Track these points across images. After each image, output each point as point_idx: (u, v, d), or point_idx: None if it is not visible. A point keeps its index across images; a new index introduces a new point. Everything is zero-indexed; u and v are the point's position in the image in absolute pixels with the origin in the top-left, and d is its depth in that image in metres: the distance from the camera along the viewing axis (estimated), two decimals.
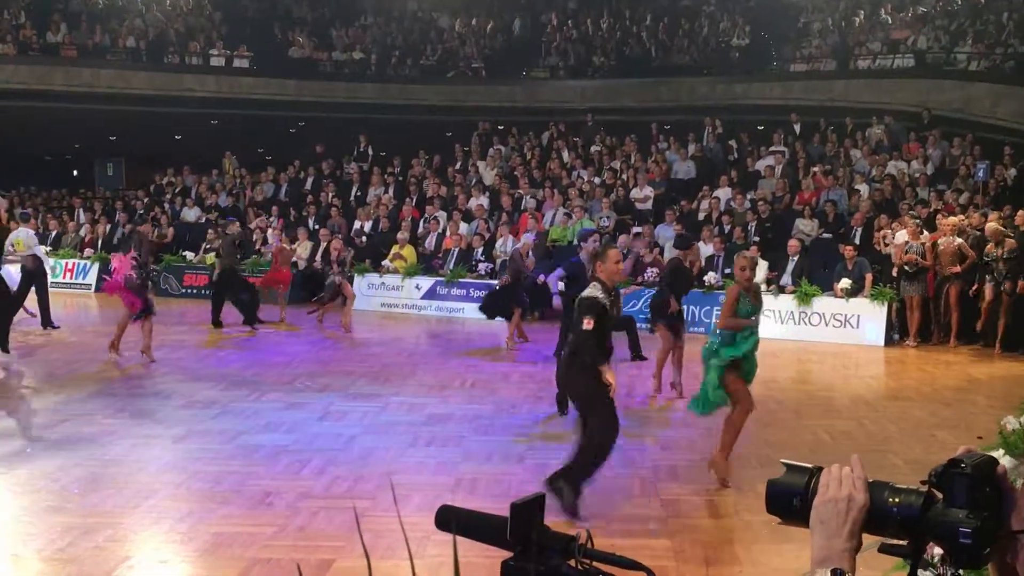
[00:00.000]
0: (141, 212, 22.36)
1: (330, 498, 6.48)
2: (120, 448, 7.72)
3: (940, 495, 1.46)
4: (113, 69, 25.96)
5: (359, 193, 22.30)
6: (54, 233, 22.12)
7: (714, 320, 10.81)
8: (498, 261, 16.95)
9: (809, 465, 1.57)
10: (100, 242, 21.63)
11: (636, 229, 17.75)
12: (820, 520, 1.51)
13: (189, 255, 19.91)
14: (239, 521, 6.01)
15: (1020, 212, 14.38)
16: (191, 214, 22.44)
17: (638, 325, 12.42)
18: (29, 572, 5.24)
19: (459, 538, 1.66)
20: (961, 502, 1.43)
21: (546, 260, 16.08)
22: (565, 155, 22.62)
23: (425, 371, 11.58)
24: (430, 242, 18.96)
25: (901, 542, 1.48)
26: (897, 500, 1.46)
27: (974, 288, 13.78)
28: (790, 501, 1.54)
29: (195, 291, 19.23)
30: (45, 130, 27.26)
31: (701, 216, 18.59)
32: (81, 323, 16.06)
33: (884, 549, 1.50)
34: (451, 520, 1.68)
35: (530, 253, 15.27)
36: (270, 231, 19.63)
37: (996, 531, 1.43)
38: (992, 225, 14.01)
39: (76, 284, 20.73)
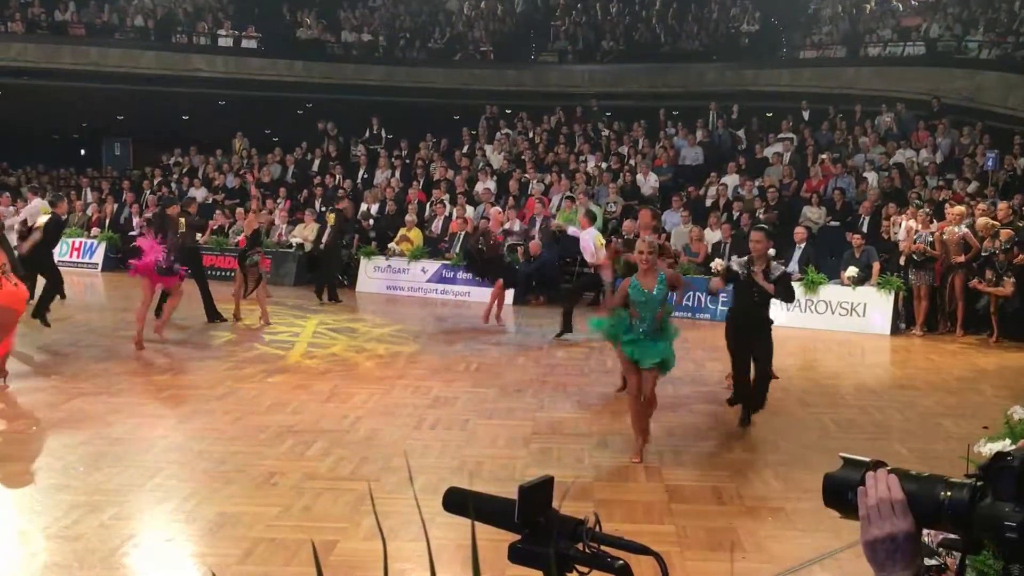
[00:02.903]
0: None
1: (335, 479, 6.49)
2: (125, 427, 7.74)
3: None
4: (121, 48, 25.96)
5: (366, 176, 22.31)
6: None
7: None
8: (505, 245, 16.93)
9: (867, 459, 1.56)
10: (107, 221, 21.65)
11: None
12: (873, 560, 1.52)
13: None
14: (244, 501, 6.02)
15: None
16: (198, 195, 22.41)
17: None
18: (35, 549, 5.25)
19: (468, 520, 1.65)
20: (1008, 495, 1.41)
21: (554, 245, 16.05)
22: (575, 140, 22.57)
23: (430, 354, 11.58)
24: (436, 225, 18.95)
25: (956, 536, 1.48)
26: (949, 495, 1.45)
27: (974, 281, 13.72)
28: (845, 495, 1.54)
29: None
30: (53, 109, 27.25)
31: (708, 203, 18.56)
32: (87, 302, 16.09)
33: (944, 544, 1.50)
34: (459, 502, 1.68)
35: (536, 235, 15.28)
36: (277, 213, 19.66)
37: None
38: (983, 220, 14.00)
39: (83, 263, 20.76)
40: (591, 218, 13.46)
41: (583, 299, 17.04)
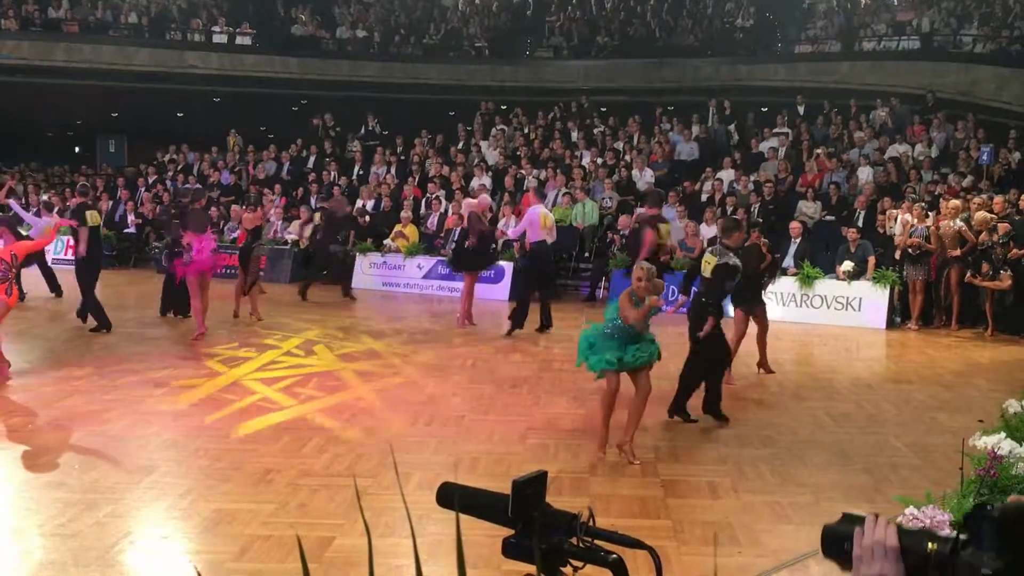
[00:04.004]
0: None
1: (330, 476, 6.49)
2: (121, 424, 7.73)
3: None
4: (115, 45, 25.91)
5: (361, 172, 22.29)
6: (56, 210, 22.05)
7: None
8: (500, 241, 16.91)
9: (865, 514, 1.64)
10: (102, 219, 21.57)
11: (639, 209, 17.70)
12: None
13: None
14: (239, 498, 6.02)
15: None
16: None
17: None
18: (31, 547, 5.25)
19: (460, 515, 1.65)
20: (988, 545, 1.48)
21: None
22: (572, 135, 22.55)
23: (426, 350, 11.57)
24: (432, 222, 18.93)
25: None
26: (935, 547, 1.53)
27: (969, 275, 13.75)
28: (842, 545, 1.62)
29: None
30: (47, 106, 27.19)
31: (704, 198, 18.56)
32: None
33: None
34: (453, 496, 1.68)
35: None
36: (272, 209, 19.62)
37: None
38: (980, 214, 14.01)
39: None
40: (540, 196, 13.61)
41: (578, 296, 17.07)
